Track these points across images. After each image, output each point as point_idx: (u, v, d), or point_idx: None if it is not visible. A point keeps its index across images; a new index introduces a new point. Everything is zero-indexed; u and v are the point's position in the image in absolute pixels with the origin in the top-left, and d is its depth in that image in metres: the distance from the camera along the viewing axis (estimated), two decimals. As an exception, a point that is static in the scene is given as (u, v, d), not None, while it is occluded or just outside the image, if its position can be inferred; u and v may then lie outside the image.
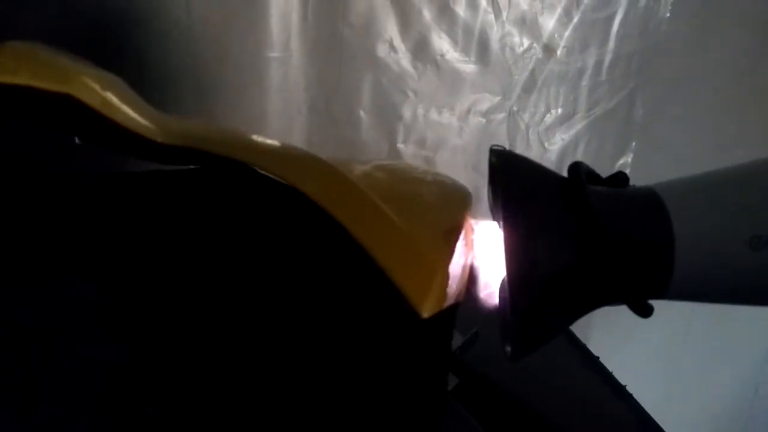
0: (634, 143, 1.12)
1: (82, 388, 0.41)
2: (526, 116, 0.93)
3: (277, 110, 0.68)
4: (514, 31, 0.85)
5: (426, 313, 0.33)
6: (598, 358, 0.63)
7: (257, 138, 0.41)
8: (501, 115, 0.89)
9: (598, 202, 0.34)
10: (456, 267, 0.36)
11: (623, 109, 1.07)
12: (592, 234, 0.33)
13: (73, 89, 0.31)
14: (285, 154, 0.40)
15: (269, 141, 0.41)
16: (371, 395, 0.39)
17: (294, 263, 0.38)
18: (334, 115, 0.73)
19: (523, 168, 0.37)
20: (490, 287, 0.39)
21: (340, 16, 0.69)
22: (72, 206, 0.49)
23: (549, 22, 0.88)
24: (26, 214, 0.53)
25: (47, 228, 0.52)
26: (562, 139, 0.99)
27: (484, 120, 0.87)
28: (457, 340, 0.51)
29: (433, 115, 0.81)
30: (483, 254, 0.40)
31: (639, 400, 0.59)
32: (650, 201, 0.34)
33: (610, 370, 0.62)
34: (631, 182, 0.37)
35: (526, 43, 0.87)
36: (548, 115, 0.96)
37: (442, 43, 0.78)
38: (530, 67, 0.89)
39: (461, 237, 0.38)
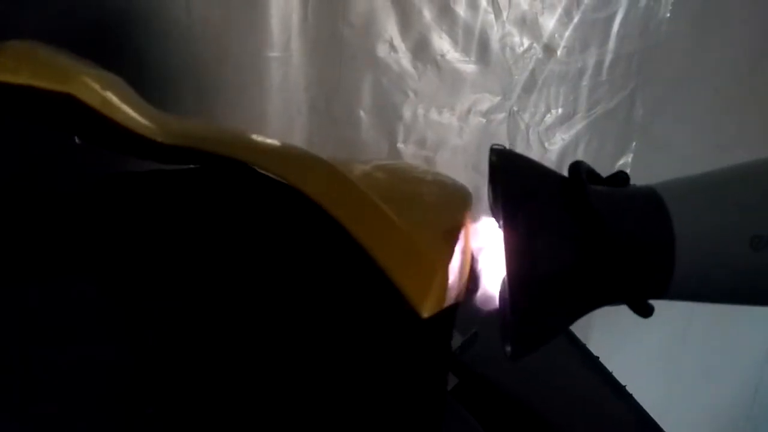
0: (634, 143, 1.12)
1: (82, 388, 0.41)
2: (527, 116, 0.93)
3: (278, 110, 0.68)
4: (515, 31, 0.85)
5: (426, 313, 0.33)
6: (598, 358, 0.63)
7: (257, 138, 0.41)
8: (501, 115, 0.89)
9: (599, 201, 0.34)
10: (456, 267, 0.36)
11: (623, 109, 1.07)
12: (592, 234, 0.33)
13: (74, 89, 0.31)
14: (285, 154, 0.40)
15: (269, 141, 0.41)
16: (371, 395, 0.39)
17: (294, 263, 0.38)
18: (334, 115, 0.73)
19: (523, 167, 0.37)
20: (490, 287, 0.39)
21: (340, 16, 0.69)
22: (72, 206, 0.49)
23: (549, 22, 0.88)
24: (26, 214, 0.53)
25: (47, 228, 0.52)
26: (563, 139, 0.99)
27: (484, 120, 0.87)
28: (457, 340, 0.51)
29: (434, 115, 0.81)
30: (483, 254, 0.40)
31: (639, 400, 0.59)
32: (651, 201, 0.34)
33: (610, 370, 0.62)
34: (632, 182, 0.37)
35: (526, 43, 0.87)
36: (548, 115, 0.95)
37: (442, 43, 0.78)
38: (530, 67, 0.89)
39: (461, 237, 0.38)
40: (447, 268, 0.35)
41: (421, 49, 0.77)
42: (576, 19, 0.91)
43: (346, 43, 0.71)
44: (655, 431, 0.56)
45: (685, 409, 1.61)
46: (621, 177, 0.37)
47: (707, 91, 1.21)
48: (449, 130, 0.84)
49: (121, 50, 0.57)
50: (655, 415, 0.58)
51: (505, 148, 0.38)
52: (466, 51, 0.81)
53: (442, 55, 0.79)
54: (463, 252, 0.39)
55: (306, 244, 0.38)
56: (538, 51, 0.89)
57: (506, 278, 0.34)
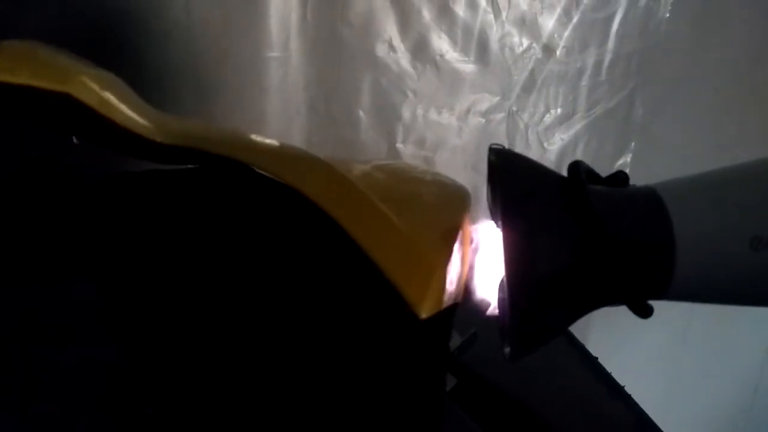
0: (633, 143, 1.12)
1: (81, 388, 0.41)
2: (526, 116, 0.92)
3: (277, 110, 0.68)
4: (514, 31, 0.85)
5: (424, 314, 0.33)
6: (597, 358, 0.63)
7: (256, 138, 0.41)
8: (500, 115, 0.89)
9: (598, 201, 0.34)
10: (455, 267, 0.36)
11: (623, 109, 1.07)
12: (592, 234, 0.33)
13: (72, 88, 0.31)
14: (283, 154, 0.40)
15: (268, 141, 0.41)
16: (369, 396, 0.39)
17: (292, 263, 0.38)
18: (334, 115, 0.73)
19: (522, 167, 0.37)
20: (489, 288, 0.39)
21: (339, 16, 0.69)
22: (71, 206, 0.49)
23: (548, 22, 0.88)
24: (25, 214, 0.53)
25: (46, 228, 0.52)
26: (562, 139, 0.99)
27: (483, 120, 0.87)
28: (456, 341, 0.51)
29: (433, 115, 0.81)
30: (482, 254, 0.40)
31: (638, 401, 0.59)
32: (650, 201, 0.34)
33: (609, 370, 0.62)
34: (631, 182, 0.37)
35: (525, 43, 0.87)
36: (548, 115, 0.95)
37: (441, 43, 0.78)
38: (530, 67, 0.89)
39: (460, 237, 0.38)
40: (445, 269, 0.35)
41: (421, 49, 0.77)
42: (575, 19, 0.91)
43: (345, 43, 0.70)
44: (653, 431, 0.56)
45: (684, 410, 1.61)
46: (620, 177, 0.37)
47: (707, 91, 1.21)
48: (448, 130, 0.84)
49: (121, 50, 0.57)
50: (654, 415, 0.58)
51: (504, 147, 0.38)
52: (465, 51, 0.81)
53: (442, 55, 0.79)
54: (462, 252, 0.39)
55: (304, 244, 0.38)
56: (537, 51, 0.89)
57: (505, 279, 0.34)
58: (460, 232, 0.39)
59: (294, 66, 0.68)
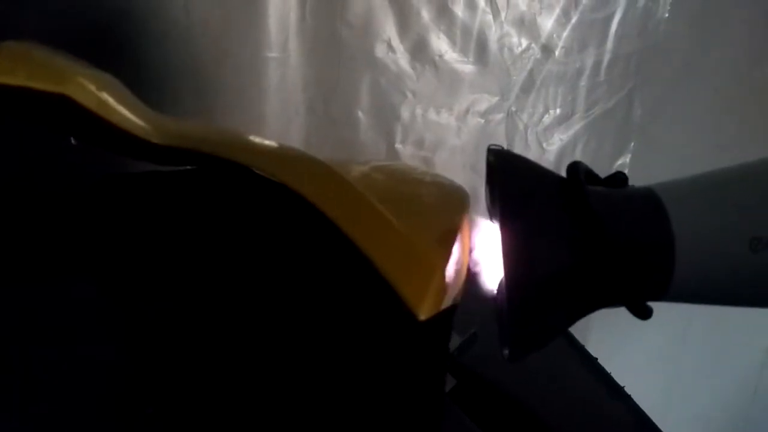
0: (632, 143, 1.12)
1: (81, 388, 0.41)
2: (525, 116, 0.93)
3: (276, 111, 0.68)
4: (513, 31, 0.85)
5: (423, 315, 0.33)
6: (597, 359, 0.63)
7: (254, 139, 0.41)
8: (499, 116, 0.89)
9: (597, 202, 0.34)
10: (453, 269, 0.36)
11: (622, 110, 1.07)
12: (590, 235, 0.33)
13: (69, 90, 0.31)
14: (282, 155, 0.40)
15: (266, 142, 0.41)
16: (368, 397, 0.39)
17: (291, 264, 0.38)
18: (333, 116, 0.73)
19: (521, 168, 0.37)
20: (488, 289, 0.39)
21: (338, 17, 0.69)
22: (70, 206, 0.49)
23: (547, 23, 0.88)
24: (24, 214, 0.53)
25: (45, 228, 0.52)
26: (561, 140, 0.99)
27: (482, 120, 0.87)
28: (455, 341, 0.51)
29: (432, 115, 0.81)
30: (481, 255, 0.40)
31: (638, 401, 0.59)
32: (649, 202, 0.34)
33: (609, 371, 0.62)
34: (630, 182, 0.37)
35: (524, 43, 0.87)
36: (547, 116, 0.95)
37: (440, 44, 0.78)
38: (528, 67, 0.89)
39: (459, 238, 0.38)
40: (444, 270, 0.35)
41: (420, 50, 0.77)
42: (574, 20, 0.91)
43: (344, 43, 0.70)
44: (653, 432, 0.56)
45: (684, 410, 1.61)
46: (619, 178, 0.37)
47: (706, 91, 1.21)
48: (447, 130, 0.84)
49: (120, 50, 0.57)
50: (654, 415, 0.58)
51: (502, 148, 0.38)
52: (464, 51, 0.81)
53: (441, 56, 0.79)
54: (461, 253, 0.39)
55: (303, 245, 0.38)
56: (536, 51, 0.89)
57: (504, 280, 0.34)
58: (459, 233, 0.39)
59: (293, 66, 0.68)
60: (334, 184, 0.36)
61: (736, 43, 1.21)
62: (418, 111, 0.80)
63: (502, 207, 0.34)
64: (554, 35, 0.90)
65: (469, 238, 0.40)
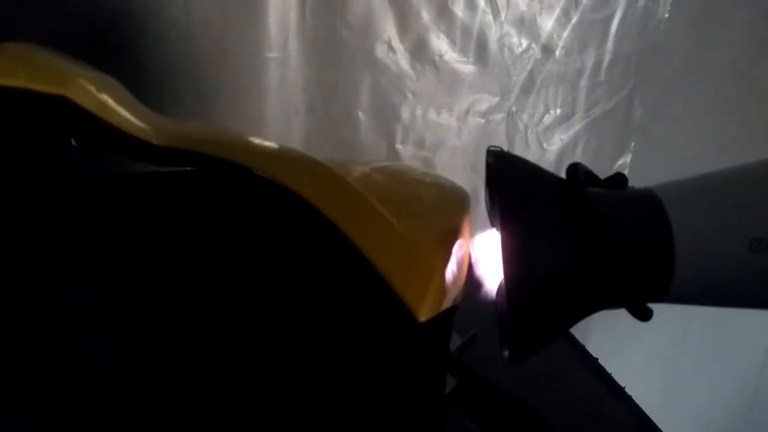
0: (632, 144, 1.12)
1: (81, 389, 0.41)
2: (525, 117, 0.92)
3: (276, 111, 0.68)
4: (513, 31, 0.85)
5: (423, 317, 0.33)
6: (597, 359, 0.63)
7: (254, 140, 0.41)
8: (500, 116, 0.89)
9: (597, 204, 0.34)
10: (453, 270, 0.36)
11: (622, 110, 1.07)
12: (591, 236, 0.33)
13: (69, 91, 0.31)
14: (282, 157, 0.40)
15: (266, 143, 0.41)
16: (369, 398, 0.39)
17: (291, 266, 0.38)
18: (333, 116, 0.73)
19: (520, 169, 0.37)
20: (488, 290, 0.39)
21: (338, 17, 0.69)
22: (69, 207, 0.49)
23: (547, 23, 0.88)
24: (24, 215, 0.53)
25: (46, 229, 0.52)
26: (561, 140, 0.99)
27: (482, 120, 0.87)
28: (456, 342, 0.51)
29: (432, 115, 0.81)
30: (481, 257, 0.40)
31: (638, 402, 0.59)
32: (649, 203, 0.34)
33: (610, 371, 0.62)
34: (630, 183, 0.37)
35: (524, 43, 0.87)
36: (547, 116, 0.95)
37: (440, 44, 0.78)
38: (529, 67, 0.89)
39: (459, 240, 0.38)
40: (444, 271, 0.35)
41: (420, 50, 0.76)
42: (574, 20, 0.91)
43: (344, 43, 0.70)
44: (653, 433, 0.56)
45: (684, 410, 1.61)
46: (619, 179, 0.37)
47: (706, 92, 1.21)
48: (448, 130, 0.84)
49: (120, 51, 0.57)
50: (654, 416, 0.57)
51: (502, 149, 0.38)
52: (464, 51, 0.81)
53: (441, 56, 0.79)
54: (461, 255, 0.39)
55: (303, 246, 0.38)
56: (536, 51, 0.89)
57: (503, 281, 0.34)
58: (460, 234, 0.39)
59: (293, 67, 0.68)
60: (334, 185, 0.36)
61: (736, 43, 1.21)
62: (419, 111, 0.80)
63: (502, 209, 0.34)
64: (554, 35, 0.89)
65: (470, 239, 0.40)
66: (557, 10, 0.88)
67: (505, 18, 0.83)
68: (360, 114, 0.75)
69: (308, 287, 0.38)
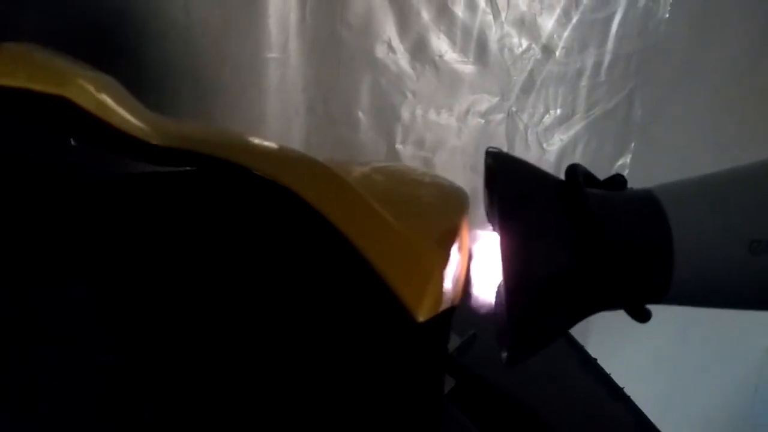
0: (633, 144, 1.12)
1: (81, 389, 0.41)
2: (525, 117, 0.92)
3: (276, 111, 0.68)
4: (513, 31, 0.85)
5: (421, 317, 0.33)
6: (597, 360, 0.63)
7: (253, 140, 0.41)
8: (500, 116, 0.89)
9: (596, 205, 0.34)
10: (452, 270, 0.36)
11: (622, 110, 1.07)
12: (590, 238, 0.33)
13: (68, 91, 0.31)
14: (281, 157, 0.40)
15: (265, 143, 0.41)
16: (367, 398, 0.39)
17: (290, 266, 0.38)
18: (333, 116, 0.73)
19: (519, 170, 0.37)
20: (487, 291, 0.39)
21: (338, 17, 0.69)
22: (69, 208, 0.49)
23: (548, 23, 0.88)
24: (23, 216, 0.53)
25: (45, 229, 0.52)
26: (561, 140, 0.99)
27: (482, 121, 0.87)
28: (455, 342, 0.51)
29: (432, 115, 0.81)
30: (480, 257, 0.40)
31: (637, 402, 0.59)
32: (648, 204, 0.34)
33: (609, 371, 0.62)
34: (630, 183, 0.37)
35: (524, 43, 0.87)
36: (547, 116, 0.95)
37: (440, 44, 0.78)
38: (529, 67, 0.89)
39: (458, 240, 0.38)
40: (443, 272, 0.35)
41: (420, 50, 0.76)
42: (574, 20, 0.91)
43: (344, 43, 0.70)
44: (653, 433, 0.56)
45: (684, 410, 1.61)
46: (618, 180, 0.37)
47: (706, 92, 1.21)
48: (448, 130, 0.84)
49: (120, 51, 0.57)
50: (653, 416, 0.58)
51: (500, 150, 0.38)
52: (464, 52, 0.81)
53: (441, 56, 0.79)
54: (460, 255, 0.39)
55: (302, 246, 0.38)
56: (536, 51, 0.89)
57: (502, 282, 0.34)
58: (459, 235, 0.39)
59: (293, 67, 0.68)
60: (333, 185, 0.36)
61: (736, 43, 1.21)
62: (418, 111, 0.80)
63: (501, 209, 0.34)
64: (555, 35, 0.89)
65: (469, 239, 0.40)
66: (557, 11, 0.88)
67: (506, 18, 0.83)
68: (360, 114, 0.75)
69: (307, 287, 0.38)
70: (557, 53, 0.91)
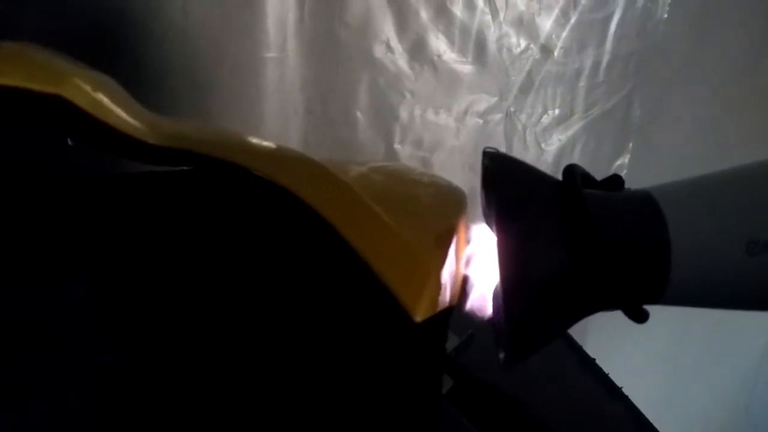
0: (631, 144, 1.12)
1: (80, 389, 0.41)
2: (523, 117, 0.92)
3: (274, 111, 0.68)
4: (512, 31, 0.85)
5: (419, 317, 0.33)
6: (595, 359, 0.63)
7: (251, 140, 0.41)
8: (498, 116, 0.89)
9: (594, 205, 0.34)
10: (450, 270, 0.36)
11: (621, 110, 1.07)
12: (587, 238, 0.33)
13: (64, 90, 0.31)
14: (279, 156, 0.40)
15: (263, 143, 0.41)
16: (365, 399, 0.39)
17: (287, 266, 0.38)
18: (331, 116, 0.73)
19: (517, 171, 0.37)
20: (485, 292, 0.39)
21: (336, 17, 0.69)
22: (67, 207, 0.49)
23: (546, 23, 0.88)
24: (22, 215, 0.52)
25: (43, 229, 0.52)
26: (559, 140, 0.99)
27: (481, 121, 0.87)
28: (453, 342, 0.51)
29: (430, 115, 0.81)
30: (477, 258, 0.40)
31: (636, 402, 0.59)
32: (646, 205, 0.34)
33: (607, 371, 0.62)
34: (629, 183, 0.37)
35: (523, 43, 0.87)
36: (545, 116, 0.95)
37: (439, 44, 0.78)
38: (527, 67, 0.89)
39: (455, 240, 0.38)
40: (440, 272, 0.35)
41: (418, 50, 0.76)
42: (573, 20, 0.90)
43: (342, 43, 0.70)
44: (651, 433, 0.56)
45: (682, 410, 1.61)
46: (616, 180, 0.37)
47: (705, 92, 1.21)
48: (446, 130, 0.84)
49: (119, 51, 0.57)
50: (652, 416, 0.58)
51: (498, 151, 0.38)
52: (462, 52, 0.81)
53: (439, 56, 0.79)
54: (458, 255, 0.39)
55: (299, 246, 0.38)
56: (535, 52, 0.89)
57: (500, 283, 0.34)
58: (456, 235, 0.39)
59: (291, 67, 0.68)
60: (331, 185, 0.36)
61: (735, 43, 1.21)
62: (417, 111, 0.80)
63: (499, 210, 0.34)
64: (553, 35, 0.89)
65: (466, 239, 0.40)
66: (556, 11, 0.88)
67: (504, 18, 0.83)
68: (358, 114, 0.75)
69: (305, 287, 0.38)
70: (556, 53, 0.91)
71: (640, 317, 0.34)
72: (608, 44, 0.97)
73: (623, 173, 1.10)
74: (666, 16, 1.04)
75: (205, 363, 0.39)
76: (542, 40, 0.89)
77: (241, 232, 0.39)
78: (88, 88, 0.32)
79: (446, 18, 0.77)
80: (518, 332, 0.35)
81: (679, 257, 0.32)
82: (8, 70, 0.31)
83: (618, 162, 1.12)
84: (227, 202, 0.40)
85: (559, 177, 0.37)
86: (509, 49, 0.86)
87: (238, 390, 0.39)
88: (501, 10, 0.82)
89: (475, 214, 0.42)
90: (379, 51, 0.73)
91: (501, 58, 0.85)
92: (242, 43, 0.63)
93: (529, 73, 0.90)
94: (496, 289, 0.38)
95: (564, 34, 0.90)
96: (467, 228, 0.41)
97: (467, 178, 0.86)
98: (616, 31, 0.97)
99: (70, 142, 0.41)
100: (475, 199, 0.43)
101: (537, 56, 0.89)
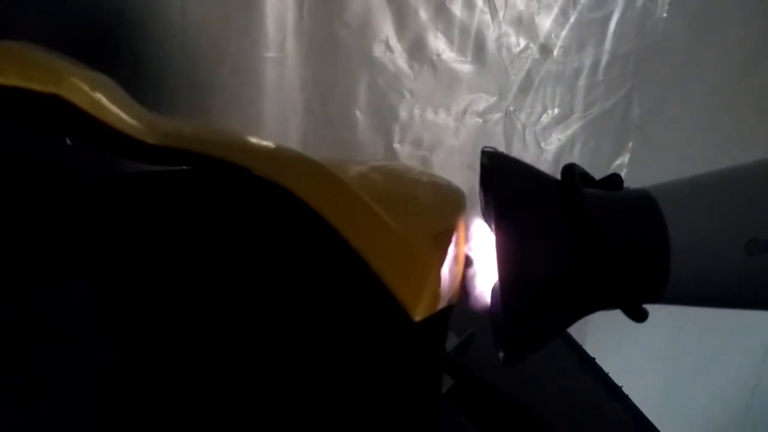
0: (630, 143, 1.12)
1: (80, 388, 0.41)
2: (523, 116, 0.92)
3: (273, 111, 0.68)
4: (511, 31, 0.85)
5: (418, 316, 0.33)
6: (595, 359, 0.63)
7: (250, 139, 0.41)
8: (497, 115, 0.89)
9: (593, 205, 0.34)
10: (449, 270, 0.36)
11: (620, 109, 1.07)
12: (586, 237, 0.33)
13: (63, 90, 0.31)
14: (278, 156, 0.40)
15: (263, 142, 0.41)
16: (365, 398, 0.39)
17: (287, 265, 0.38)
18: (330, 116, 0.73)
19: (515, 170, 0.37)
20: (484, 291, 0.39)
21: (336, 17, 0.69)
22: (67, 207, 0.49)
23: (545, 22, 0.88)
24: (22, 215, 0.52)
25: (43, 229, 0.52)
26: (559, 139, 0.99)
27: (480, 120, 0.87)
28: (453, 342, 0.51)
29: (430, 115, 0.81)
30: (477, 257, 0.40)
31: (636, 401, 0.59)
32: (645, 204, 0.34)
33: (607, 371, 0.62)
34: (628, 182, 0.37)
35: (522, 43, 0.87)
36: (545, 115, 0.95)
37: (438, 43, 0.78)
38: (527, 67, 0.89)
39: (455, 240, 0.38)
40: (440, 271, 0.35)
41: (417, 50, 0.76)
42: (572, 19, 0.90)
43: (341, 43, 0.70)
44: (651, 432, 0.56)
45: (682, 410, 1.61)
46: (614, 180, 0.37)
47: (704, 91, 1.21)
48: (445, 130, 0.84)
49: (118, 51, 0.57)
50: (652, 415, 0.58)
51: (496, 150, 0.38)
52: (462, 51, 0.81)
53: (438, 55, 0.79)
54: (457, 255, 0.39)
55: (299, 246, 0.38)
56: (534, 51, 0.89)
57: (499, 282, 0.34)
58: (456, 234, 0.39)
59: (290, 66, 0.68)
60: (330, 184, 0.36)
61: (734, 43, 1.21)
62: (416, 111, 0.80)
63: (497, 209, 0.34)
64: (552, 35, 0.89)
65: (465, 239, 0.40)
66: (555, 10, 0.88)
67: (503, 17, 0.83)
68: (357, 113, 0.75)
69: (304, 286, 0.38)
70: (555, 52, 0.91)
71: (640, 316, 0.34)
72: (607, 43, 0.97)
73: (622, 172, 1.10)
74: (665, 15, 1.04)
75: (205, 363, 0.39)
76: (541, 39, 0.89)
77: (240, 231, 0.39)
78: (86, 87, 0.32)
79: (445, 17, 0.77)
80: (517, 331, 0.35)
81: (678, 256, 0.32)
82: (7, 69, 0.31)
83: (617, 161, 1.12)
84: (226, 202, 0.40)
85: (559, 176, 0.37)
86: (508, 49, 0.86)
87: (238, 390, 0.39)
88: (500, 9, 0.82)
89: (474, 214, 0.42)
90: (378, 50, 0.73)
91: (500, 58, 0.85)
92: (242, 43, 0.63)
93: (529, 73, 0.90)
94: (494, 287, 0.38)
95: (563, 34, 0.90)
96: (466, 227, 0.41)
97: (466, 178, 0.86)
98: (615, 31, 0.97)
99: (69, 142, 0.41)
100: (475, 198, 0.43)
101: (536, 55, 0.89)
